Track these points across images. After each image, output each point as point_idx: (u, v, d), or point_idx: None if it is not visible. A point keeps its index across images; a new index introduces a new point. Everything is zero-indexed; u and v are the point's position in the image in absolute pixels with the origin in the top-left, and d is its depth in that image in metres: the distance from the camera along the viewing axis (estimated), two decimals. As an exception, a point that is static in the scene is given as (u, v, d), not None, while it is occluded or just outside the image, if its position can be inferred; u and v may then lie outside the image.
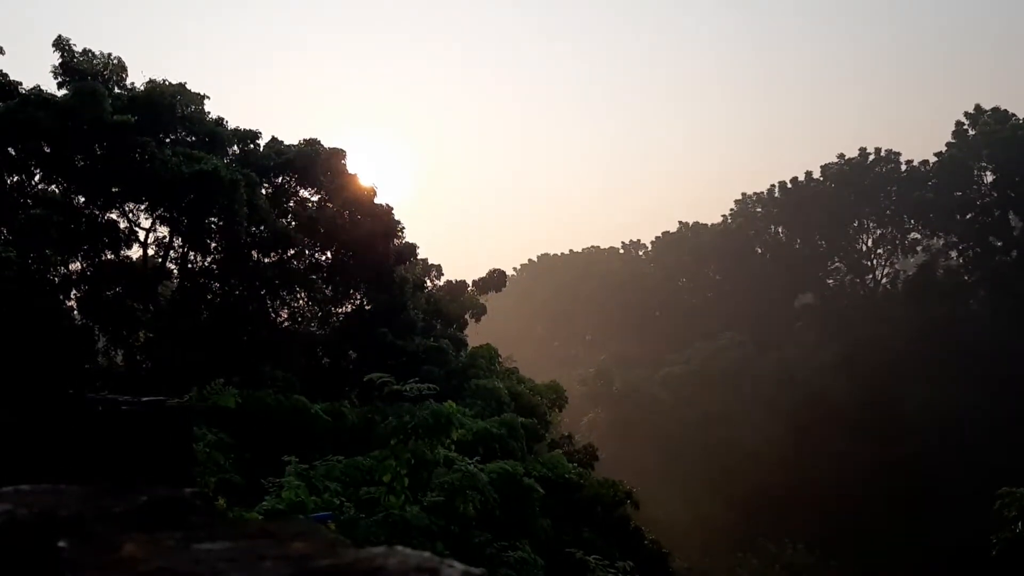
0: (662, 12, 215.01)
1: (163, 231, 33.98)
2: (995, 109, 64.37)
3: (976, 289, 65.22)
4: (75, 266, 31.85)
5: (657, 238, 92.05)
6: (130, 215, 33.37)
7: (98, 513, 1.34)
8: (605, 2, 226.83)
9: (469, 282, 47.52)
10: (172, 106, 34.00)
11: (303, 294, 38.44)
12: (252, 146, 38.83)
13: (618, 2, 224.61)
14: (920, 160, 70.29)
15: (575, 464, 30.21)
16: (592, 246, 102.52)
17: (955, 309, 62.02)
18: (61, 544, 1.19)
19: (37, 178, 31.69)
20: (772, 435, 58.93)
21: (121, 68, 34.25)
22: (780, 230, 79.07)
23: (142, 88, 34.07)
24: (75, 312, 31.76)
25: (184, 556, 1.17)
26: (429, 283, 45.61)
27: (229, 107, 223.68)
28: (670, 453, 62.31)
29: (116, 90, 33.32)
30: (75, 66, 32.46)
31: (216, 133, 36.26)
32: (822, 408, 59.77)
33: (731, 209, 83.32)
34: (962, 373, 56.04)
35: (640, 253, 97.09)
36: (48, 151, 30.79)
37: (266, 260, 36.23)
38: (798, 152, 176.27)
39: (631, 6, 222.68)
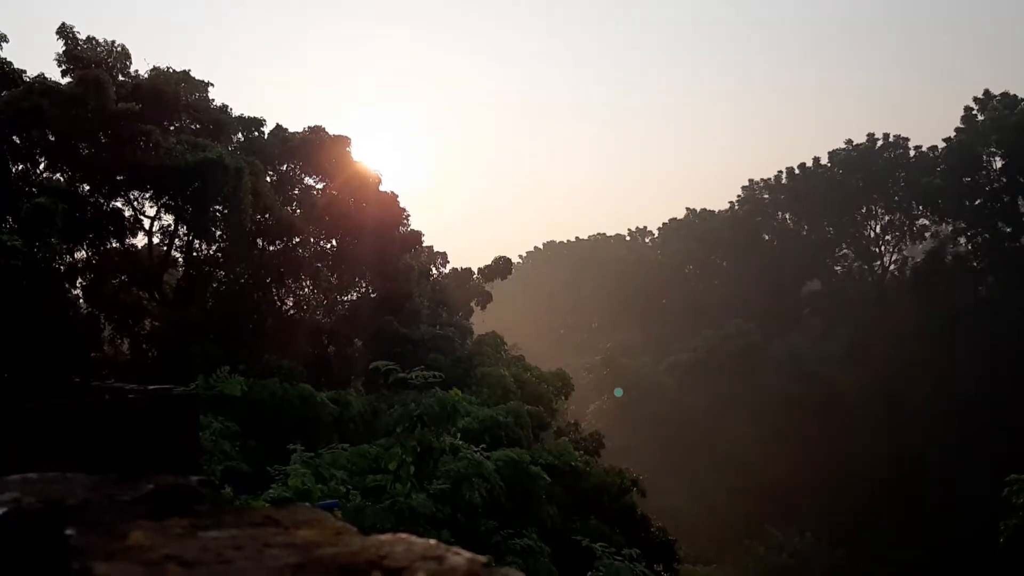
0: (670, 2, 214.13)
1: (168, 219, 34.05)
2: (1004, 94, 63.98)
3: (985, 275, 65.00)
4: (80, 255, 31.96)
5: (664, 225, 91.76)
6: (135, 203, 33.44)
7: (105, 501, 1.34)
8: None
9: (475, 270, 47.58)
10: (176, 94, 34.02)
11: (308, 282, 38.53)
12: (257, 133, 38.89)
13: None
14: (929, 146, 70.08)
15: (581, 452, 30.24)
16: (598, 233, 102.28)
17: (964, 295, 61.84)
18: (68, 532, 1.19)
19: (42, 167, 31.74)
20: (779, 423, 58.93)
21: (125, 56, 34.26)
22: (788, 216, 78.86)
23: (146, 76, 34.09)
24: (81, 301, 31.88)
25: (191, 544, 1.18)
26: (435, 271, 45.68)
27: (234, 94, 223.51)
28: (676, 441, 62.38)
29: (120, 78, 33.35)
30: (79, 54, 32.46)
31: (220, 120, 36.32)
32: (829, 396, 59.73)
33: (738, 196, 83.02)
34: (971, 360, 55.89)
35: (647, 240, 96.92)
36: (52, 140, 30.83)
37: (271, 248, 36.29)
38: (805, 138, 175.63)
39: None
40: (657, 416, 65.33)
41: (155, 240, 34.19)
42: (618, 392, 70.54)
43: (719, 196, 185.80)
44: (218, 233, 34.72)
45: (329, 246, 38.80)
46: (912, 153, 71.04)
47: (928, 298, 61.94)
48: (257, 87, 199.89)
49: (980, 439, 51.86)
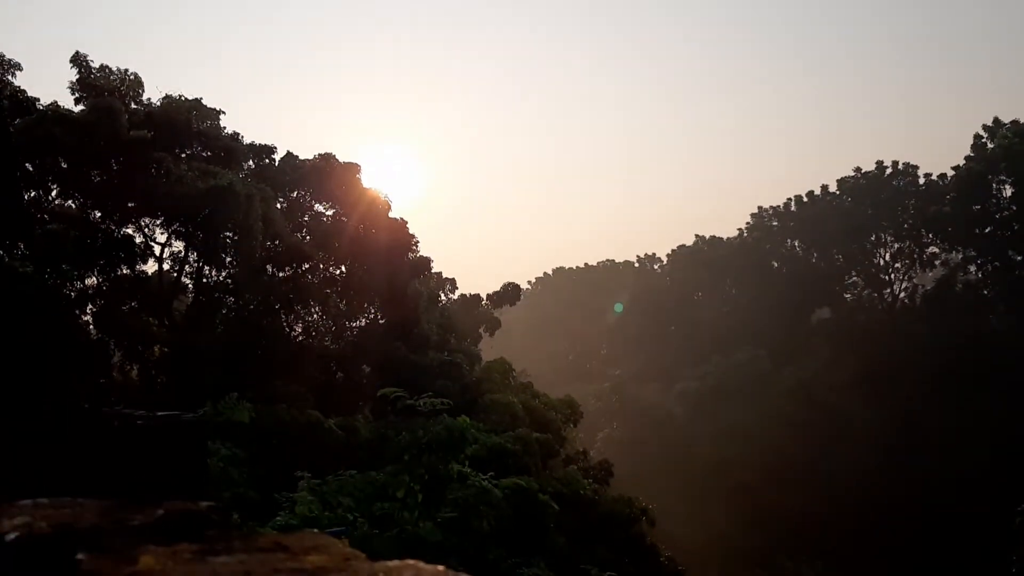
0: (678, 27, 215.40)
1: (178, 246, 34.23)
2: (1014, 122, 63.90)
3: (995, 303, 64.74)
4: (91, 281, 32.07)
5: (673, 251, 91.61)
6: (146, 230, 33.65)
7: (115, 526, 1.34)
8: (623, 18, 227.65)
9: (483, 296, 47.58)
10: (188, 121, 34.30)
11: (317, 308, 38.54)
12: (268, 161, 39.14)
13: (637, 17, 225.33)
14: (938, 174, 69.97)
15: (590, 480, 30.11)
16: (607, 260, 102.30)
17: (974, 323, 61.54)
18: (79, 556, 1.19)
19: (54, 193, 31.99)
20: (789, 451, 58.51)
21: (138, 84, 34.59)
22: (797, 244, 78.71)
23: (158, 104, 34.39)
24: (91, 327, 31.95)
25: (200, 569, 1.18)
26: (443, 297, 45.71)
27: (245, 121, 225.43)
28: (686, 469, 61.92)
29: (133, 106, 33.66)
30: (92, 82, 32.79)
31: (232, 148, 36.56)
32: (840, 424, 59.36)
33: (747, 223, 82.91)
34: (982, 388, 55.53)
35: (655, 267, 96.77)
36: (65, 167, 31.09)
37: (281, 275, 36.37)
38: (815, 165, 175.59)
39: (649, 22, 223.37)
40: (666, 444, 64.97)
41: (165, 266, 34.36)
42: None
43: (728, 223, 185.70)
44: (228, 260, 34.85)
45: (338, 272, 38.86)
46: (921, 181, 70.93)
47: (938, 326, 61.63)
48: (269, 115, 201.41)
49: (993, 467, 51.38)
